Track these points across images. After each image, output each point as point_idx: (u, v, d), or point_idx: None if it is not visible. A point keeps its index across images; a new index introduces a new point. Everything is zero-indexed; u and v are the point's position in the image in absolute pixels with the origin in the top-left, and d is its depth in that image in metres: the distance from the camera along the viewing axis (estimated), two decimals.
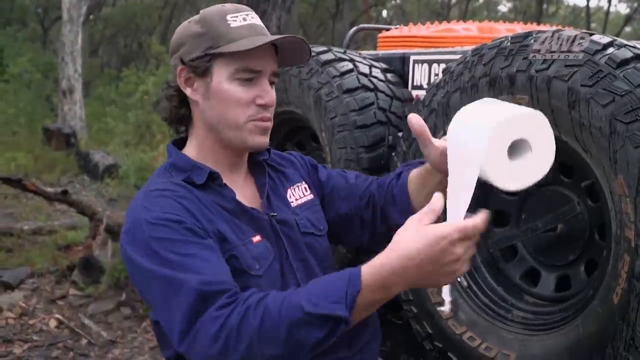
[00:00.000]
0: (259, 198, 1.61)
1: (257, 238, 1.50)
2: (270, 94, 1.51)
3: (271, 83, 1.54)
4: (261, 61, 1.49)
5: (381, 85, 3.00)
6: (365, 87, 2.95)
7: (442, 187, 1.50)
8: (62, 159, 12.08)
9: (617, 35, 23.52)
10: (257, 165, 1.66)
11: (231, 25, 1.47)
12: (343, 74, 2.98)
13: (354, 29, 4.29)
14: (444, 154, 1.45)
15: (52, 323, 4.88)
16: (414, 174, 1.69)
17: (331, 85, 2.96)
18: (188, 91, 1.52)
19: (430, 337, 2.53)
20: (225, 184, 1.52)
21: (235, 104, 1.48)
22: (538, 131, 1.26)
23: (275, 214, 1.59)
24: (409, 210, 1.65)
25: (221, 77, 1.48)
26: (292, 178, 1.73)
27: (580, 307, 2.19)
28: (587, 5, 26.04)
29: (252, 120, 1.50)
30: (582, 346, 2.06)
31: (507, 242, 2.58)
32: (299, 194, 1.71)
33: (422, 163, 1.67)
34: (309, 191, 1.74)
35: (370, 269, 1.23)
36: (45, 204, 8.24)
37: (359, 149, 2.86)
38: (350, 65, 3.02)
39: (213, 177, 1.51)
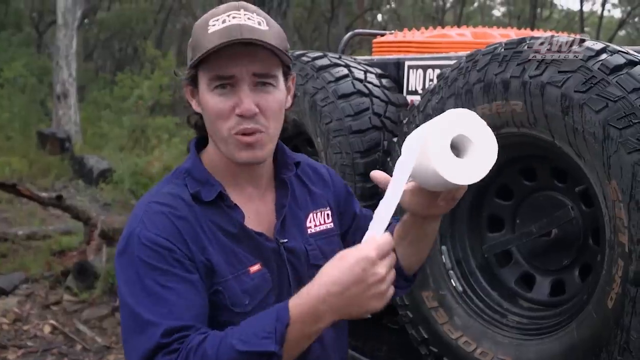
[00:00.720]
0: (274, 219, 1.51)
1: (255, 267, 1.44)
2: (246, 102, 1.35)
3: (262, 84, 1.38)
4: (231, 65, 1.34)
5: (376, 91, 3.01)
6: (360, 93, 2.96)
7: (423, 233, 1.53)
8: (57, 163, 12.05)
9: (611, 39, 23.63)
10: (282, 182, 1.55)
11: (208, 32, 1.36)
12: (338, 79, 2.99)
13: (349, 34, 4.31)
14: (411, 191, 1.43)
15: (47, 329, 4.86)
16: (398, 225, 1.63)
17: (326, 91, 2.96)
18: (193, 104, 1.47)
19: (426, 342, 2.54)
20: (234, 205, 1.44)
21: (216, 116, 1.38)
22: (473, 125, 1.31)
23: (286, 240, 1.50)
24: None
25: (203, 89, 1.40)
26: (318, 200, 1.63)
27: (575, 311, 2.20)
28: (581, 10, 26.13)
29: (234, 133, 1.37)
30: (577, 350, 2.07)
31: (502, 247, 2.59)
32: (319, 220, 1.61)
33: None
34: (330, 219, 1.63)
35: (296, 299, 1.24)
36: (39, 209, 8.22)
37: (355, 154, 2.87)
38: (345, 71, 3.03)
39: (222, 196, 1.43)
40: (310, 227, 1.58)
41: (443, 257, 2.56)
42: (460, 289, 2.54)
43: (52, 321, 4.96)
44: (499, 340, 2.33)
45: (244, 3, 1.41)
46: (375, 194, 2.80)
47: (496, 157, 1.31)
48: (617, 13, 32.28)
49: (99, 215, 6.40)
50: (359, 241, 1.33)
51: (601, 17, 26.64)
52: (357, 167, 2.85)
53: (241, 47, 1.33)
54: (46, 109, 17.56)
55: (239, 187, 1.48)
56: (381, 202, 1.30)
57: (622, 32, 28.40)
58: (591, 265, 2.33)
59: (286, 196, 1.54)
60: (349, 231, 1.71)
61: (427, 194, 1.41)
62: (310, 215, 1.59)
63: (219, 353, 1.23)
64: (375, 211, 1.30)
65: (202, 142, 1.53)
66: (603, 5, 25.87)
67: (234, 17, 1.36)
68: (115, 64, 28.65)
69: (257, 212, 1.50)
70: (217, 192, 1.43)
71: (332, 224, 1.63)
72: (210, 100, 1.38)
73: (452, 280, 2.54)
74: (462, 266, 2.58)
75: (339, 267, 1.20)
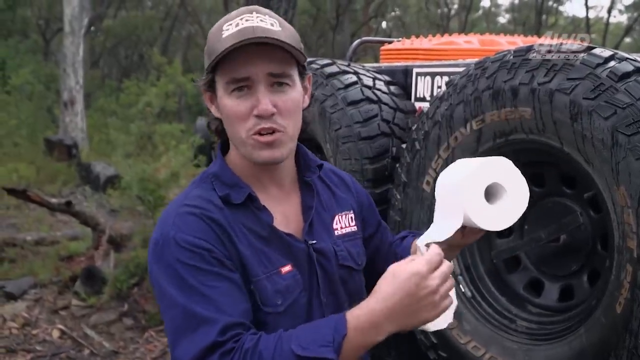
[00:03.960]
0: (302, 221, 1.53)
1: (286, 268, 1.45)
2: (263, 102, 1.36)
3: (278, 84, 1.39)
4: (247, 67, 1.36)
5: (385, 98, 3.03)
6: (369, 100, 2.98)
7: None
8: (64, 170, 12.10)
9: (617, 46, 23.61)
10: (306, 184, 1.57)
11: (222, 36, 1.37)
12: (347, 86, 3.01)
13: (357, 41, 4.34)
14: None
15: (55, 333, 4.88)
16: (414, 244, 1.67)
17: (335, 98, 2.99)
18: (212, 109, 1.48)
19: (435, 347, 2.55)
20: (263, 207, 1.46)
21: (234, 118, 1.39)
22: (507, 173, 1.37)
23: (315, 241, 1.52)
24: None
25: (221, 93, 1.41)
26: (342, 203, 1.65)
27: (583, 317, 2.21)
28: (587, 16, 26.14)
29: (252, 134, 1.39)
30: (586, 356, 2.08)
31: (511, 253, 2.60)
32: (345, 223, 1.63)
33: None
34: (354, 222, 1.65)
35: (355, 311, 1.29)
36: (47, 215, 8.25)
37: (363, 160, 2.89)
38: (354, 78, 3.06)
39: (251, 198, 1.45)
40: (337, 229, 1.60)
41: (452, 262, 2.57)
42: (469, 294, 2.55)
43: (60, 326, 4.98)
44: (508, 345, 2.34)
45: (257, 7, 1.43)
46: (384, 199, 2.82)
47: (526, 205, 1.38)
48: (624, 19, 32.23)
49: (107, 221, 6.42)
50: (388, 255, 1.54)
51: (607, 23, 26.65)
52: (365, 173, 2.88)
53: (255, 48, 1.35)
54: (53, 116, 17.64)
55: (263, 189, 1.50)
56: (433, 225, 1.40)
57: (628, 39, 28.38)
58: (600, 270, 2.34)
59: (312, 198, 1.56)
60: (373, 239, 1.74)
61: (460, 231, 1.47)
62: (337, 217, 1.61)
63: (275, 356, 1.26)
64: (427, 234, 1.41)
65: (226, 146, 1.54)
66: (609, 11, 25.88)
67: (247, 20, 1.37)
68: (122, 71, 28.77)
69: (284, 213, 1.51)
70: (246, 194, 1.44)
71: (355, 227, 1.66)
72: (228, 103, 1.39)
73: (461, 286, 2.56)
74: (470, 271, 2.60)
75: (393, 284, 1.25)
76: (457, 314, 2.51)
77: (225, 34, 1.37)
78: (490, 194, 1.36)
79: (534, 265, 2.57)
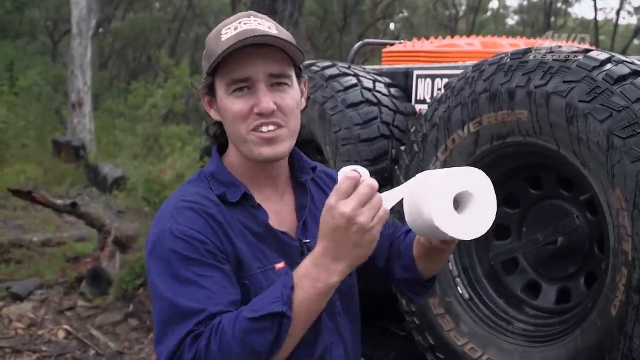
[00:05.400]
0: (296, 220, 1.56)
1: (280, 265, 1.47)
2: (264, 101, 1.39)
3: (278, 84, 1.42)
4: (247, 67, 1.39)
5: (385, 100, 3.04)
6: (368, 102, 2.99)
7: (434, 257, 1.57)
8: (71, 171, 12.17)
9: (626, 48, 23.49)
10: (300, 184, 1.60)
11: (222, 39, 1.40)
12: (347, 88, 3.03)
13: (359, 43, 4.35)
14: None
15: (61, 334, 4.91)
16: (417, 239, 1.65)
17: (335, 100, 3.00)
18: (211, 113, 1.51)
19: (433, 349, 2.56)
20: (258, 205, 1.48)
21: (235, 117, 1.42)
22: (477, 183, 1.36)
23: (308, 240, 1.53)
24: (411, 266, 1.66)
25: (221, 94, 1.44)
26: None
27: (579, 319, 2.22)
28: (595, 18, 26.04)
29: (253, 130, 1.41)
30: (581, 357, 2.09)
31: (508, 255, 2.61)
32: None
33: None
34: None
35: (300, 264, 1.31)
36: (54, 216, 8.30)
37: (363, 162, 2.90)
38: (354, 80, 3.07)
39: (247, 197, 1.47)
40: None
41: (449, 264, 2.59)
42: (466, 296, 2.56)
43: (66, 326, 5.01)
44: (505, 347, 2.35)
45: (254, 12, 1.46)
46: None
47: (494, 217, 1.36)
48: (633, 21, 32.09)
49: (113, 223, 6.46)
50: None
51: (616, 25, 26.53)
52: None
53: (255, 49, 1.38)
54: (61, 117, 17.73)
55: (258, 189, 1.51)
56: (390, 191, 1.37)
57: (637, 41, 28.26)
58: (596, 273, 2.35)
59: (306, 197, 1.58)
60: None
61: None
62: None
63: (234, 327, 1.27)
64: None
65: (222, 148, 1.56)
66: (618, 13, 25.77)
67: (245, 23, 1.41)
68: (130, 72, 28.87)
69: (278, 212, 1.53)
70: (241, 193, 1.47)
71: None
72: (229, 103, 1.42)
73: (458, 288, 2.57)
74: (468, 273, 2.61)
75: (322, 222, 1.28)
76: (455, 316, 2.53)
77: (224, 37, 1.40)
78: (459, 202, 1.35)
79: (532, 268, 2.58)
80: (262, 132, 1.41)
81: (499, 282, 2.62)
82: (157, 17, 28.98)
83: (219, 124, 1.51)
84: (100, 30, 25.01)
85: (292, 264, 1.47)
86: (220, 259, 1.38)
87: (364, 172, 1.28)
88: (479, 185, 1.36)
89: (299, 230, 1.54)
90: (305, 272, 1.29)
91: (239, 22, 1.42)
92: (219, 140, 1.54)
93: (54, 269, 6.13)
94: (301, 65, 1.51)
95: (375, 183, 1.26)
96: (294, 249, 1.51)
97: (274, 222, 1.50)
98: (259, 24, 1.41)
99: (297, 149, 1.60)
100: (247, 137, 1.42)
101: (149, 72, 26.16)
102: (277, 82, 1.41)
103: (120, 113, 17.44)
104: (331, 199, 1.25)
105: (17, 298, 5.49)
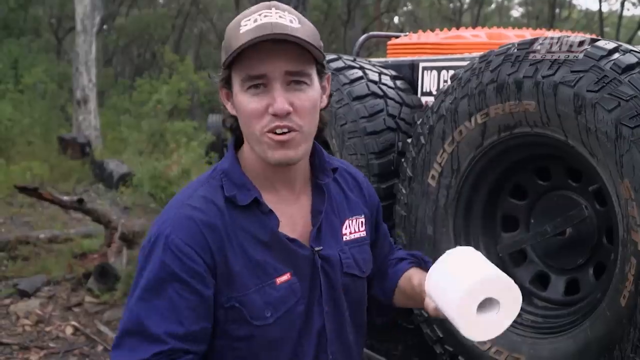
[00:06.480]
0: (310, 225, 1.49)
1: (283, 278, 1.42)
2: (279, 101, 1.32)
3: (296, 83, 1.35)
4: (263, 64, 1.32)
5: (390, 92, 3.03)
6: (374, 94, 2.98)
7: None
8: (77, 168, 12.19)
9: (631, 39, 23.38)
10: (319, 187, 1.52)
11: (240, 32, 1.34)
12: (353, 81, 3.01)
13: (364, 36, 4.33)
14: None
15: (68, 330, 4.92)
16: (408, 274, 1.65)
17: (341, 93, 2.99)
18: (228, 106, 1.45)
19: (441, 341, 2.56)
20: (270, 211, 1.42)
21: (249, 115, 1.36)
22: (506, 293, 1.36)
23: (321, 247, 1.48)
24: (389, 294, 1.67)
25: (236, 89, 1.38)
26: (354, 207, 1.60)
27: (588, 310, 2.21)
28: (600, 9, 25.92)
29: (268, 132, 1.35)
30: (591, 349, 2.08)
31: (517, 247, 2.59)
32: (354, 228, 1.58)
33: (422, 266, 1.66)
34: (364, 227, 1.61)
35: None
36: (61, 213, 8.32)
37: (369, 155, 2.89)
38: (359, 73, 3.06)
39: (258, 202, 1.42)
40: (345, 235, 1.56)
41: None
42: None
43: (73, 322, 5.02)
44: (514, 338, 2.33)
45: (276, 2, 1.39)
46: (390, 194, 2.82)
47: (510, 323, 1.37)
48: (638, 12, 31.93)
49: (120, 219, 6.46)
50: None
51: (620, 16, 26.40)
52: (371, 168, 2.88)
53: (272, 45, 1.31)
54: (66, 114, 17.75)
55: (273, 189, 1.46)
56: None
57: None
58: (605, 264, 2.33)
59: (323, 202, 1.51)
60: (373, 247, 1.70)
61: None
62: (347, 221, 1.57)
63: None
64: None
65: (239, 141, 1.51)
66: (622, 4, 25.62)
67: (265, 16, 1.34)
68: (134, 69, 28.89)
69: (292, 216, 1.48)
70: (252, 197, 1.41)
71: (364, 232, 1.62)
72: (243, 100, 1.36)
73: None
74: None
75: None
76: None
77: (242, 29, 1.34)
78: (484, 304, 1.35)
79: (540, 259, 2.56)
80: (276, 134, 1.34)
81: (508, 274, 2.59)
82: (161, 13, 28.99)
83: (236, 118, 1.45)
84: (105, 27, 25.01)
85: (300, 274, 1.44)
86: (207, 282, 1.36)
87: None
88: (507, 294, 1.36)
89: (312, 237, 1.48)
90: None
91: (259, 14, 1.35)
92: (236, 133, 1.48)
93: (61, 265, 6.14)
94: (323, 62, 1.43)
95: None
96: (303, 258, 1.45)
97: (285, 227, 1.45)
98: (280, 17, 1.34)
99: (319, 148, 1.53)
100: (262, 138, 1.36)
101: (154, 69, 26.19)
102: (294, 81, 1.35)
103: (126, 109, 17.46)
104: None
105: (24, 295, 5.50)
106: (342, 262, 1.52)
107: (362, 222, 1.61)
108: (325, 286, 1.48)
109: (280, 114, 1.33)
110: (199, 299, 1.34)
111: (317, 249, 1.47)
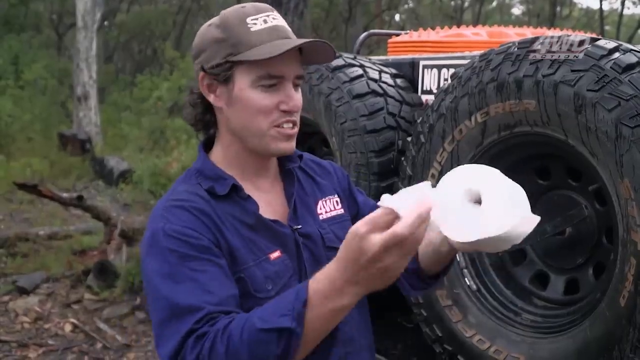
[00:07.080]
0: (287, 208, 1.56)
1: (275, 254, 1.47)
2: (294, 99, 1.44)
3: (295, 86, 1.47)
4: (284, 66, 1.42)
5: (391, 91, 3.02)
6: (374, 93, 2.98)
7: (442, 256, 1.54)
8: (78, 164, 12.16)
9: (631, 37, 23.36)
10: (288, 172, 1.60)
11: (251, 30, 1.41)
12: (353, 79, 3.01)
13: (364, 34, 4.33)
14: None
15: (67, 327, 4.91)
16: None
17: (341, 91, 2.99)
18: (211, 97, 1.48)
19: (440, 340, 2.56)
20: (248, 196, 1.48)
21: (258, 111, 1.43)
22: (492, 183, 1.33)
23: (300, 226, 1.54)
24: (414, 257, 1.64)
25: (243, 84, 1.43)
26: (325, 189, 1.66)
27: (588, 310, 2.21)
28: (601, 8, 25.87)
29: (275, 126, 1.44)
30: (590, 348, 2.08)
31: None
32: (329, 207, 1.64)
33: None
34: (340, 205, 1.67)
35: (316, 277, 1.26)
36: (60, 209, 8.30)
37: (369, 153, 2.89)
38: (360, 71, 3.05)
39: (236, 188, 1.47)
40: (321, 214, 1.61)
41: (457, 255, 2.57)
42: (474, 287, 2.55)
43: (72, 320, 5.01)
44: (513, 338, 2.34)
45: (266, 5, 1.48)
46: (390, 192, 2.81)
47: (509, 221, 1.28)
48: (638, 11, 31.91)
49: (119, 216, 6.46)
50: None
51: (621, 15, 26.35)
52: (371, 166, 2.87)
53: (292, 50, 1.41)
54: (67, 110, 17.72)
55: (248, 180, 1.52)
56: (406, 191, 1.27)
57: None
58: (605, 263, 2.33)
59: (293, 185, 1.59)
60: (357, 218, 1.72)
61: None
62: (320, 202, 1.63)
63: (242, 333, 1.25)
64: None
65: (208, 144, 1.57)
66: (622, 3, 25.56)
67: (273, 18, 1.45)
68: (135, 65, 28.83)
69: (269, 202, 1.54)
70: (230, 185, 1.47)
71: (342, 209, 1.67)
72: (253, 96, 1.43)
73: (466, 279, 2.55)
74: (476, 265, 2.59)
75: (344, 246, 1.21)
76: (463, 307, 2.52)
77: (253, 27, 1.41)
78: (471, 202, 1.32)
79: (540, 259, 2.56)
80: (283, 128, 1.45)
81: (507, 274, 2.61)
82: (162, 10, 28.92)
83: (212, 112, 1.51)
84: (106, 23, 25.00)
85: (288, 252, 1.49)
86: (216, 253, 1.38)
87: (414, 198, 1.20)
88: (490, 184, 1.32)
89: (289, 217, 1.54)
90: (318, 287, 1.24)
91: (266, 15, 1.44)
92: (207, 128, 1.55)
93: (60, 262, 6.13)
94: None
95: (415, 225, 1.16)
96: (287, 236, 1.51)
97: (265, 211, 1.50)
98: (282, 20, 1.47)
99: None
100: (268, 132, 1.44)
101: (155, 65, 26.14)
102: (297, 84, 1.47)
103: (126, 106, 17.46)
104: (362, 228, 1.18)
105: (23, 292, 5.49)
106: (323, 237, 1.57)
107: (336, 201, 1.67)
108: (310, 261, 1.52)
109: (295, 110, 1.45)
110: (217, 268, 1.36)
111: (295, 227, 1.53)
